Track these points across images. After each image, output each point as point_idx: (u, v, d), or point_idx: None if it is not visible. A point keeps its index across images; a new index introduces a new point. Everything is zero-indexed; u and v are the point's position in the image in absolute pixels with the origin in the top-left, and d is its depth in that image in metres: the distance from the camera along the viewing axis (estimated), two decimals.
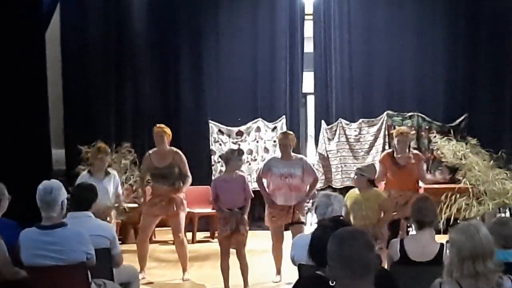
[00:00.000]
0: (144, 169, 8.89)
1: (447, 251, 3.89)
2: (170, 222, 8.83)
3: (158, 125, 8.83)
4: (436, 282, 3.79)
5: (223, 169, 12.25)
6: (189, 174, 8.65)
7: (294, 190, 8.24)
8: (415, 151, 9.41)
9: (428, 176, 9.50)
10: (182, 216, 8.69)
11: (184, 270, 8.79)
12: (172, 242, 10.98)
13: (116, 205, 8.63)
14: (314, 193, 8.47)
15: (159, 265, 9.58)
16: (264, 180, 8.51)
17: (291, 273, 8.21)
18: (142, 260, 8.71)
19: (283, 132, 9.10)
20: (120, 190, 8.71)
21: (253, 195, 8.02)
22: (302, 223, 8.39)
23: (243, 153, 8.39)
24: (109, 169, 8.66)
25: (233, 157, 7.88)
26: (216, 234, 8.20)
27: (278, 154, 8.72)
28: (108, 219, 8.07)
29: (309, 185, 8.41)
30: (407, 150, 8.68)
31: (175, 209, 8.52)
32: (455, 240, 3.76)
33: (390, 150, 9.15)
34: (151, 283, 8.60)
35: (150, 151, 8.76)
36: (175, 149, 8.73)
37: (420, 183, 11.82)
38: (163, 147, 8.63)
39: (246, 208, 7.89)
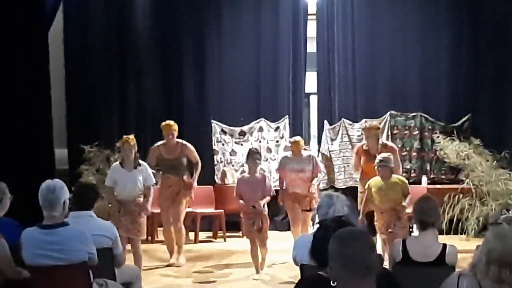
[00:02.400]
0: (151, 159, 9.33)
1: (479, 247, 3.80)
2: (172, 211, 9.42)
3: (166, 122, 9.45)
4: (454, 274, 3.72)
5: (226, 169, 12.38)
6: (198, 159, 9.49)
7: (306, 182, 9.30)
8: (390, 144, 9.73)
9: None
10: (184, 203, 9.44)
11: (178, 253, 9.48)
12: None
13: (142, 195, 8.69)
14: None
15: (160, 264, 9.56)
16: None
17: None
18: (170, 246, 9.57)
19: (294, 142, 9.55)
20: (151, 181, 8.69)
21: (274, 193, 8.95)
22: (310, 210, 9.23)
23: (255, 152, 9.00)
24: (141, 162, 8.78)
25: (247, 159, 8.90)
26: (243, 229, 8.95)
27: (288, 153, 9.89)
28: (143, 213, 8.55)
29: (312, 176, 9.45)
30: (378, 144, 9.18)
31: (181, 197, 9.33)
32: (488, 240, 3.65)
33: (364, 143, 9.46)
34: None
35: (159, 143, 9.42)
36: (181, 141, 9.45)
37: (423, 183, 11.90)
38: (172, 142, 9.35)
39: (265, 199, 8.72)
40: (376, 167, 8.22)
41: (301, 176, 9.27)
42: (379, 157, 8.25)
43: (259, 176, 8.82)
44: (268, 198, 8.74)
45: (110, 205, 8.79)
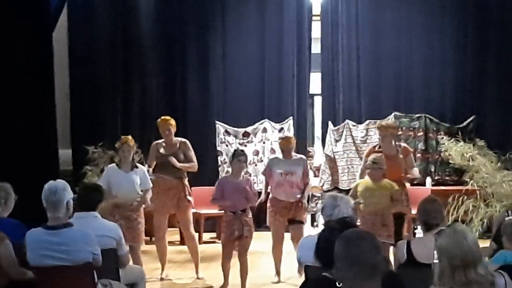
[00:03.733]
0: (151, 158, 8.77)
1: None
2: (179, 219, 8.91)
3: (162, 117, 8.85)
4: None
5: (230, 170, 12.34)
6: (194, 160, 8.71)
7: (294, 187, 8.41)
8: (404, 145, 9.17)
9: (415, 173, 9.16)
10: (189, 210, 8.75)
11: (196, 266, 8.86)
12: (178, 242, 11.04)
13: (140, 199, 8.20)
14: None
15: (165, 265, 9.54)
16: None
17: (291, 274, 8.31)
18: (162, 258, 8.84)
19: (284, 138, 9.01)
20: (148, 185, 8.22)
21: (257, 199, 8.08)
22: (302, 222, 8.58)
23: (240, 154, 8.12)
24: (138, 164, 8.36)
25: (232, 160, 8.03)
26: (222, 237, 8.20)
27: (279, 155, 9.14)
28: (137, 215, 8.07)
29: (304, 188, 8.55)
30: (393, 144, 8.44)
31: (183, 204, 8.59)
32: (444, 248, 3.68)
33: (376, 144, 8.89)
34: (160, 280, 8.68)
35: (158, 141, 8.77)
36: (181, 138, 8.79)
37: (427, 184, 11.84)
38: (170, 139, 8.67)
39: (249, 209, 7.95)
40: (368, 169, 7.72)
41: (288, 180, 8.36)
42: (370, 158, 7.73)
43: (243, 179, 8.02)
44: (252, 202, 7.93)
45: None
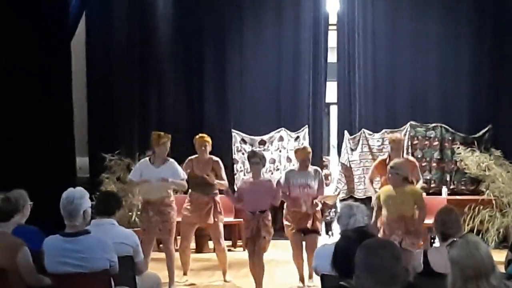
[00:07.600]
0: (185, 170, 8.90)
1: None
2: (210, 232, 9.23)
3: (200, 135, 9.17)
4: None
5: (246, 178, 12.34)
6: (224, 178, 9.02)
7: (311, 199, 8.46)
8: (410, 158, 9.73)
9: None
10: (221, 224, 9.00)
11: (224, 273, 9.13)
12: (194, 250, 11.06)
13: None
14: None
15: (180, 273, 9.56)
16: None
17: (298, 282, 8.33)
18: (185, 265, 9.08)
19: (302, 148, 9.09)
20: (182, 177, 8.46)
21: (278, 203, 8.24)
22: (317, 232, 8.56)
23: (252, 156, 8.35)
24: (168, 158, 8.51)
25: (249, 162, 8.34)
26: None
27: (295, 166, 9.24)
28: (170, 208, 8.38)
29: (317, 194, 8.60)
30: (401, 157, 8.97)
31: (215, 219, 8.84)
32: (456, 259, 3.70)
33: (385, 156, 9.41)
34: None
35: (192, 157, 9.05)
36: (214, 157, 9.09)
37: (443, 194, 11.82)
38: (204, 156, 8.99)
39: (268, 211, 8.09)
40: (387, 175, 7.87)
41: (306, 193, 8.43)
42: (390, 164, 7.91)
43: (264, 180, 8.26)
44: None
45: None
